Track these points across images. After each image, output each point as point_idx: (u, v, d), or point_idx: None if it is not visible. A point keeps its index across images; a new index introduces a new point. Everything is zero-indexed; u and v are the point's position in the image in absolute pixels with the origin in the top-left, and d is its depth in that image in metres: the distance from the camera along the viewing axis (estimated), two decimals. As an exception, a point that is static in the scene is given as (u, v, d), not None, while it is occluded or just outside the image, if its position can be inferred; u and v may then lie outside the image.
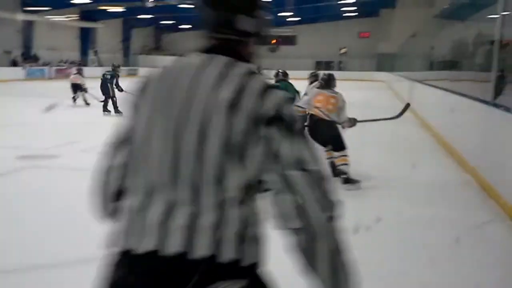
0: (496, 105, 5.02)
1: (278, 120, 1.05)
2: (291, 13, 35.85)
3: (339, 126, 5.32)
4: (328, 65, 40.74)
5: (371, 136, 7.61)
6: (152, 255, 1.03)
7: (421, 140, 8.46)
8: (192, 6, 32.66)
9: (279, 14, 35.99)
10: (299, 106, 5.35)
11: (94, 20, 33.86)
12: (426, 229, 3.86)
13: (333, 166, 5.16)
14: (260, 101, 1.05)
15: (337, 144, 5.08)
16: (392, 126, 9.97)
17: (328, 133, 5.12)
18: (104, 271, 1.11)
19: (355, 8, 35.55)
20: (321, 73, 6.98)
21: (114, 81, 11.47)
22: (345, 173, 4.93)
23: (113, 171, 1.20)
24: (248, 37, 1.19)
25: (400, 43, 23.04)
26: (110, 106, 11.53)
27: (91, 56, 34.79)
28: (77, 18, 32.85)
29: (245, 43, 1.20)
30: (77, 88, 13.10)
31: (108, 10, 32.22)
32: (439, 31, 12.92)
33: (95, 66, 33.12)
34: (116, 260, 1.10)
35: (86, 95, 13.17)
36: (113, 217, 1.20)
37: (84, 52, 34.19)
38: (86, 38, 34.21)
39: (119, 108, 10.97)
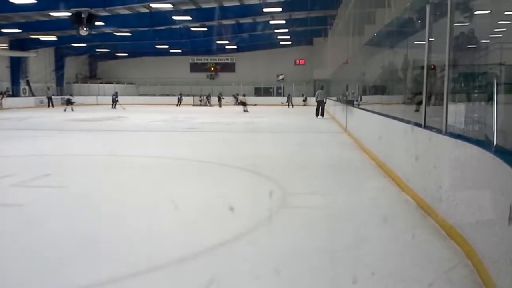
0: (427, 127, 5.27)
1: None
2: (228, 42, 36.35)
3: None
4: (267, 91, 41.63)
5: (309, 160, 7.77)
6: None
7: (359, 162, 8.71)
8: (128, 34, 32.33)
9: (218, 42, 36.41)
10: None
11: (25, 48, 32.67)
12: (372, 252, 3.99)
13: None
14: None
15: None
16: (330, 149, 10.22)
17: None
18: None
19: (290, 37, 36.66)
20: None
21: None
22: None
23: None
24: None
25: (334, 70, 23.91)
26: None
27: (22, 85, 33.43)
28: (7, 47, 31.59)
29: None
30: None
31: (40, 39, 31.25)
32: (370, 57, 13.54)
33: (27, 95, 31.82)
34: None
35: None
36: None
37: (15, 81, 32.81)
38: (17, 67, 32.90)
39: None
